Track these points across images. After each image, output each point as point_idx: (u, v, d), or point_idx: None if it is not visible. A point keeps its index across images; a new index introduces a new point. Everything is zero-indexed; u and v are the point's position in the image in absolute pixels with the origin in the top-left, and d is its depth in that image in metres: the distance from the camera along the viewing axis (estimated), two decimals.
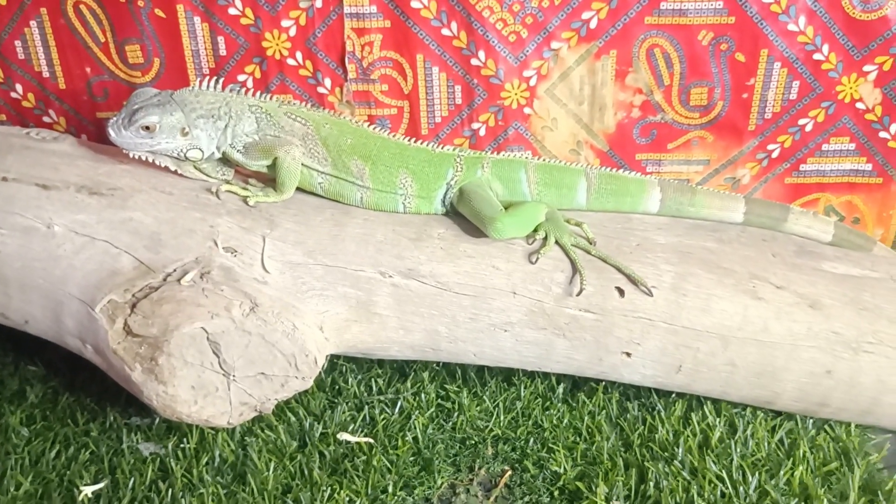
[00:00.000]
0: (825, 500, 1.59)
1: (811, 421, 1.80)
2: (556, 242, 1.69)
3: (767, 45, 1.88)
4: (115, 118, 1.64)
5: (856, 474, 1.65)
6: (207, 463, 1.72)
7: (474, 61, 1.93)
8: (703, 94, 1.95)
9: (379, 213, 1.77)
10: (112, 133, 1.63)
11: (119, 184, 1.72)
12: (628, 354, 1.71)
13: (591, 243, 1.71)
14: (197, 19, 1.92)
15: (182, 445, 1.77)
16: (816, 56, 1.90)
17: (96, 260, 1.63)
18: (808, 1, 1.84)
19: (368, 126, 1.79)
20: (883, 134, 1.98)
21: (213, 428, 1.75)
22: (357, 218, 1.74)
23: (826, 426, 1.80)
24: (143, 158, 1.68)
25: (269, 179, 1.77)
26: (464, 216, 1.74)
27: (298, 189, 1.76)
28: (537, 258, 1.66)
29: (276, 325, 1.59)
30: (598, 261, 1.69)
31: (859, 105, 1.95)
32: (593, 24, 1.89)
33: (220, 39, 1.94)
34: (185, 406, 1.59)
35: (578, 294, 1.65)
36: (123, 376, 1.59)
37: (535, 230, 1.71)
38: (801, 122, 1.98)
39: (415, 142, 1.78)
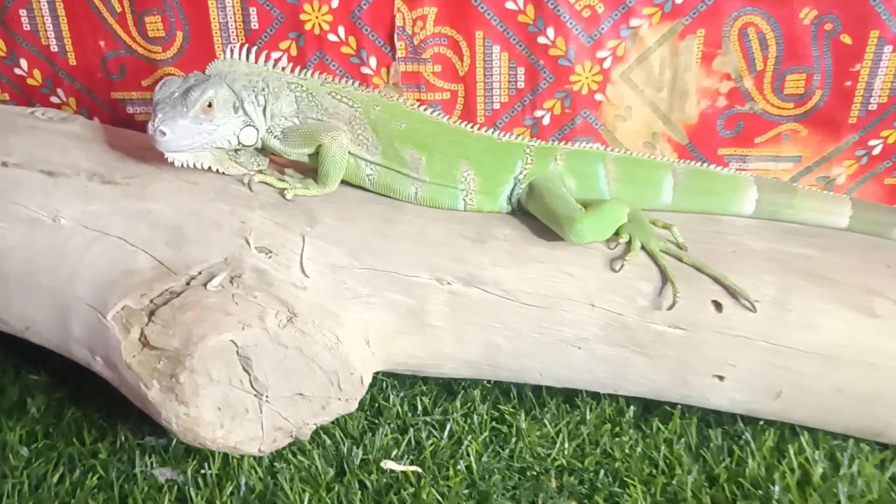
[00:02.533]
0: None
1: None
2: (643, 247, 1.49)
3: (879, 25, 1.66)
4: (158, 117, 1.40)
5: None
6: (232, 493, 1.53)
7: (541, 39, 1.74)
8: (801, 82, 1.74)
9: (433, 209, 1.58)
10: (167, 130, 1.39)
11: (136, 170, 1.55)
12: (720, 378, 1.50)
13: (681, 248, 1.50)
14: None
15: (202, 471, 1.58)
16: None
17: (109, 258, 1.47)
18: None
19: (423, 109, 1.58)
20: None
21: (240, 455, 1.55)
22: (408, 214, 1.55)
23: None
24: (186, 165, 1.47)
25: (309, 169, 1.58)
26: (532, 215, 1.56)
27: (342, 181, 1.56)
28: (622, 265, 1.46)
29: (316, 336, 1.40)
30: (689, 269, 1.48)
31: None
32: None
33: (252, 11, 1.77)
34: (209, 430, 1.41)
35: (671, 308, 1.44)
36: (138, 394, 1.42)
37: (617, 232, 1.51)
38: None
39: (478, 129, 1.58)
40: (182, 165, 1.46)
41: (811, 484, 1.52)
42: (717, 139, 1.83)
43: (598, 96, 1.80)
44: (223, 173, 1.52)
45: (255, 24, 1.77)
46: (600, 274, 1.48)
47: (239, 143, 1.48)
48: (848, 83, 1.73)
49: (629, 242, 1.49)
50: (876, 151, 1.80)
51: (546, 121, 1.83)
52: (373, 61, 1.80)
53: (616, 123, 1.83)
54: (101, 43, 1.84)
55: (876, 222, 1.61)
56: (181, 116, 1.40)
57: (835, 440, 1.62)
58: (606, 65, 1.76)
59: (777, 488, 1.51)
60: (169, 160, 1.45)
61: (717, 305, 1.45)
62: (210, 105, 1.42)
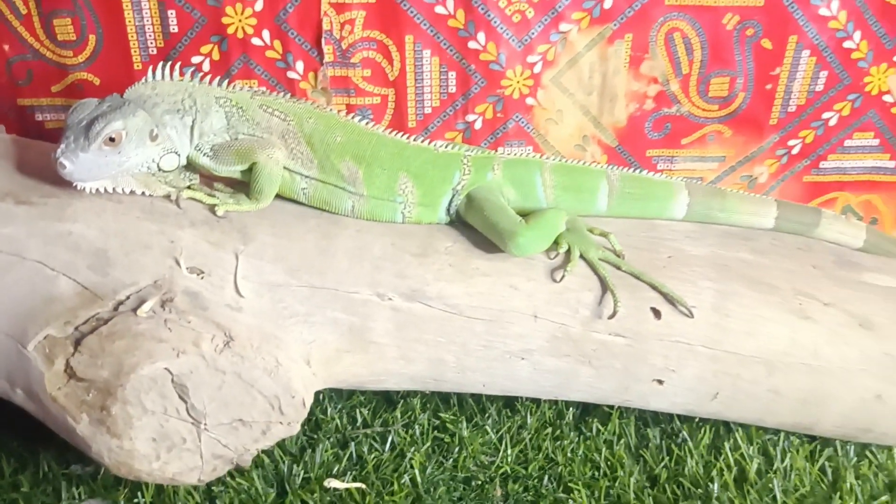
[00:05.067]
0: None
1: (852, 447, 1.64)
2: (582, 257, 1.48)
3: (797, 30, 1.70)
4: (61, 147, 1.33)
5: None
6: None
7: (472, 44, 1.71)
8: (724, 85, 1.76)
9: (374, 223, 1.52)
10: (66, 164, 1.32)
11: (54, 189, 1.42)
12: (660, 382, 1.51)
13: (619, 257, 1.50)
14: None
15: (135, 500, 1.49)
16: (847, 44, 1.72)
17: (27, 284, 1.35)
18: None
19: (359, 120, 1.52)
20: None
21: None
22: (349, 229, 1.49)
23: (867, 452, 1.64)
24: (104, 190, 1.39)
25: (240, 183, 1.50)
26: (472, 226, 1.52)
27: (277, 196, 1.49)
28: (563, 276, 1.45)
29: (255, 360, 1.34)
30: (629, 277, 1.48)
31: (887, 98, 1.79)
32: (608, 4, 1.68)
33: (171, 13, 1.66)
34: (144, 462, 1.34)
35: (612, 317, 1.44)
36: (66, 428, 1.33)
37: (556, 242, 1.49)
38: (826, 115, 1.81)
39: (415, 139, 1.53)
40: (94, 192, 1.38)
41: (748, 480, 1.56)
42: (645, 141, 1.83)
43: (529, 100, 1.77)
44: (149, 195, 1.43)
45: (174, 28, 1.66)
46: (544, 286, 1.46)
47: (159, 168, 1.41)
48: (769, 86, 1.76)
49: (569, 252, 1.48)
50: (795, 151, 1.85)
51: (478, 125, 1.80)
52: (300, 66, 1.72)
53: (548, 127, 1.81)
54: (6, 47, 1.70)
55: (799, 222, 1.65)
56: (82, 150, 1.32)
57: (766, 434, 1.66)
58: (537, 69, 1.74)
59: (716, 486, 1.54)
60: (79, 188, 1.37)
61: (656, 312, 1.46)
62: (113, 140, 1.33)
